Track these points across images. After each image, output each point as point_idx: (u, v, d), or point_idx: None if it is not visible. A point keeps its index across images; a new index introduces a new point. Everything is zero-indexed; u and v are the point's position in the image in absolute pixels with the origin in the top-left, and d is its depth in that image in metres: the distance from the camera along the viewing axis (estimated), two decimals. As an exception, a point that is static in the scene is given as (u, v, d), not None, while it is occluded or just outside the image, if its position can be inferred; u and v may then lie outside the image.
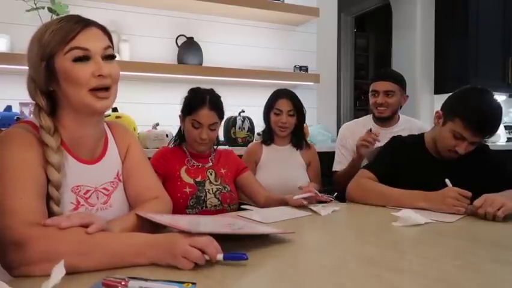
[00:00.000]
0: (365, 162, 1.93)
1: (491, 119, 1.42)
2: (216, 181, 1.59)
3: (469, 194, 1.30)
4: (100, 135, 1.04)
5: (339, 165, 2.17)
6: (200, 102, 1.55)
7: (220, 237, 0.82)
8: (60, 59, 0.90)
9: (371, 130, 1.95)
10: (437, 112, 1.54)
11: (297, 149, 2.03)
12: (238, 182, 1.69)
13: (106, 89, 0.93)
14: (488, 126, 1.42)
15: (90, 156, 1.01)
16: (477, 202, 1.25)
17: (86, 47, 0.91)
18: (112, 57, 0.95)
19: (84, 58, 0.91)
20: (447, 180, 1.36)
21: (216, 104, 1.58)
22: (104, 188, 1.02)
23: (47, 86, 0.93)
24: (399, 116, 2.16)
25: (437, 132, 1.53)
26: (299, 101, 1.97)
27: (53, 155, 0.89)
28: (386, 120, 2.11)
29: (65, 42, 0.90)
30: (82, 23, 0.93)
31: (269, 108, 1.98)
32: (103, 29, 0.97)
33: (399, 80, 2.07)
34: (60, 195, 0.91)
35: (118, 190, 1.06)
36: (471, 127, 1.40)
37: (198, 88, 1.63)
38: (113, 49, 0.97)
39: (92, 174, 1.00)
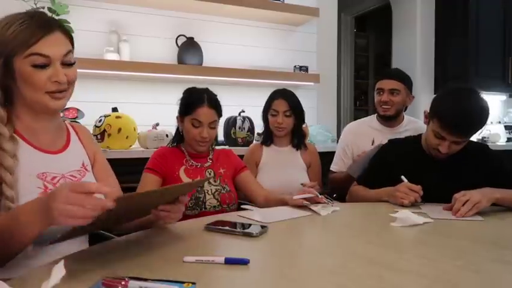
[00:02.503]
0: None
1: (467, 119, 1.39)
2: (215, 181, 1.59)
3: (418, 187, 1.39)
4: (57, 128, 1.08)
5: (336, 166, 2.19)
6: (199, 101, 1.55)
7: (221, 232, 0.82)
8: (19, 61, 0.92)
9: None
10: (425, 112, 1.56)
11: (297, 150, 2.03)
12: (237, 181, 1.68)
13: (62, 91, 0.97)
14: (464, 127, 1.41)
15: (52, 147, 1.05)
16: (457, 195, 1.30)
17: (46, 54, 0.93)
18: (71, 64, 0.98)
19: (44, 65, 0.93)
20: (402, 177, 1.45)
21: (215, 102, 1.59)
22: (71, 175, 1.05)
23: (3, 81, 0.94)
24: (403, 116, 2.14)
25: (426, 132, 1.55)
26: (297, 101, 1.96)
27: (5, 143, 0.92)
28: (390, 119, 2.08)
29: (26, 46, 0.91)
30: (46, 28, 0.93)
31: (266, 109, 1.98)
32: (66, 33, 0.99)
33: (405, 80, 2.05)
34: (25, 182, 0.94)
35: (87, 177, 1.09)
36: (447, 127, 1.40)
37: (194, 88, 1.64)
38: (73, 52, 0.99)
39: (57, 163, 1.03)
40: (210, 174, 1.60)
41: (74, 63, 1.00)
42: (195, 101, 1.55)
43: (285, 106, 1.92)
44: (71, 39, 1.00)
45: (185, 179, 1.55)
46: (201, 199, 1.52)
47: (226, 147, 2.38)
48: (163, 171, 1.55)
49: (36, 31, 0.92)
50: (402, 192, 1.41)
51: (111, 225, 1.07)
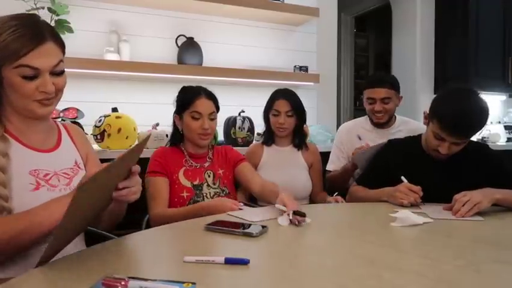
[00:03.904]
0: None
1: (466, 120, 1.39)
2: (214, 184, 1.59)
3: (418, 188, 1.40)
4: (47, 128, 1.09)
5: (332, 165, 2.19)
6: (196, 93, 1.59)
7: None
8: (8, 71, 0.92)
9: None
10: (424, 112, 1.56)
11: (298, 150, 2.02)
12: (235, 173, 1.68)
13: (50, 98, 0.98)
14: (464, 128, 1.40)
15: (43, 146, 1.06)
16: (457, 196, 1.30)
17: (36, 66, 0.92)
18: (61, 73, 0.98)
19: (33, 76, 0.93)
20: (402, 177, 1.46)
21: (211, 94, 1.62)
22: (64, 173, 1.06)
23: None
24: (395, 116, 2.15)
25: (426, 132, 1.55)
26: (299, 101, 1.95)
27: None
28: (383, 123, 2.10)
29: (16, 57, 0.90)
30: (37, 39, 0.92)
31: (268, 108, 1.97)
32: (58, 41, 0.98)
33: (394, 84, 2.04)
34: (17, 179, 0.95)
35: (80, 175, 1.09)
36: (446, 129, 1.40)
37: (188, 86, 1.67)
38: (63, 60, 0.99)
39: (49, 160, 1.04)
40: (209, 176, 1.59)
41: (63, 72, 1.00)
42: (193, 95, 1.59)
43: (287, 106, 1.91)
44: (63, 48, 1.00)
45: (184, 182, 1.54)
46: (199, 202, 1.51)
47: (226, 147, 2.38)
48: (166, 171, 1.54)
49: (28, 42, 0.91)
50: (402, 193, 1.41)
51: (80, 226, 0.99)
